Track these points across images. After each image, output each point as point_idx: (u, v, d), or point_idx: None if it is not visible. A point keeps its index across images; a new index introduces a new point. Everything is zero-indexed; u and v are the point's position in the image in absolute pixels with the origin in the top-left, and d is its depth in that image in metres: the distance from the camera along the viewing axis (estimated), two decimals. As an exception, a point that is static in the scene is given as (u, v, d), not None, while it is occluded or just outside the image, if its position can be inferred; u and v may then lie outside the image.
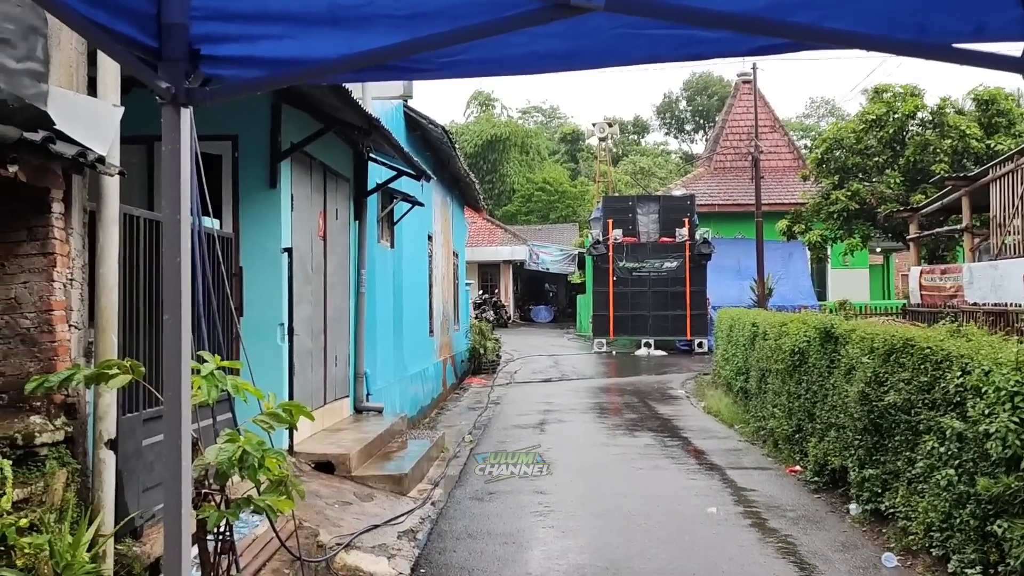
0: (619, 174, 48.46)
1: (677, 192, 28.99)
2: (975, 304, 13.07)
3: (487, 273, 38.97)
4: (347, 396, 9.93)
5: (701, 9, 1.65)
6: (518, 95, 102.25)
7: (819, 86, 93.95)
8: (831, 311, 16.14)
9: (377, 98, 10.46)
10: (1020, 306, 11.60)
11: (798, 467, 9.06)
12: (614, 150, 48.95)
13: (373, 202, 10.70)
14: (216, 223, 7.07)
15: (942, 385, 5.84)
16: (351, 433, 9.00)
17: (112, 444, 4.62)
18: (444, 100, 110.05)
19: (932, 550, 5.80)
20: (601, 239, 24.92)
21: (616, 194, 37.32)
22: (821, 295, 27.30)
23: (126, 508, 4.77)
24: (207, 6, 2.00)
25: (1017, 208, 12.82)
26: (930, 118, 20.43)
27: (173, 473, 1.93)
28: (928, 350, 6.17)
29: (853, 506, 7.31)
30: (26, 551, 3.78)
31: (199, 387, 3.73)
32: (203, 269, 3.94)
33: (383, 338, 11.00)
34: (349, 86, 7.54)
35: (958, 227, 16.64)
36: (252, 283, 7.51)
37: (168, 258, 1.95)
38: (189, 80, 2.03)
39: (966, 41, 1.87)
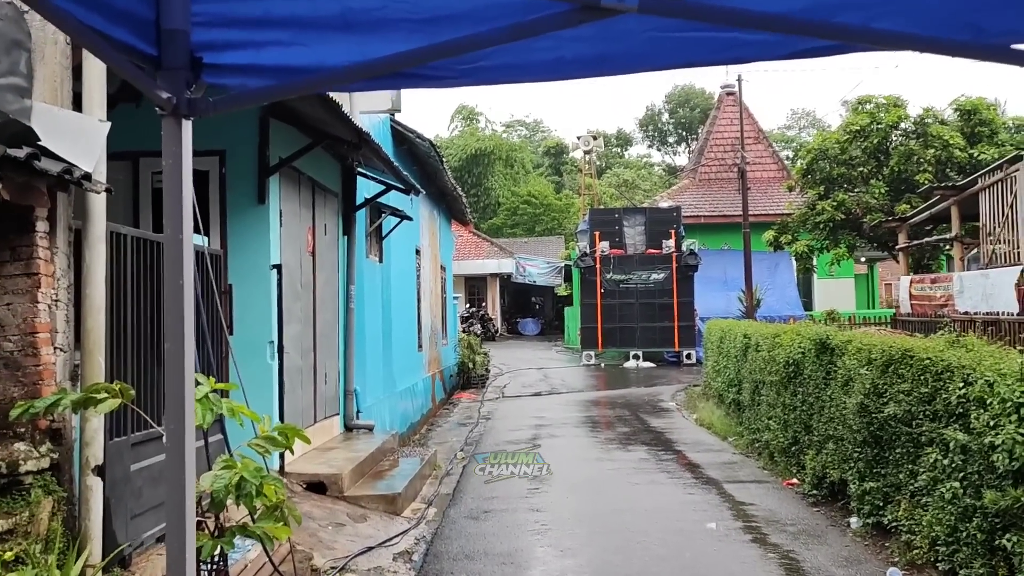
0: (603, 187, 48.57)
1: (663, 204, 29.01)
2: (966, 313, 13.08)
3: (474, 286, 38.85)
4: (337, 414, 9.76)
5: (741, 10, 1.54)
6: (502, 109, 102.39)
7: (800, 98, 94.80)
8: (822, 321, 16.12)
9: (365, 112, 10.34)
10: (1012, 315, 11.61)
11: (795, 479, 8.97)
12: (598, 163, 49.06)
13: (362, 217, 10.57)
14: (205, 240, 6.92)
15: (944, 396, 5.77)
16: (342, 452, 8.82)
17: (99, 470, 4.46)
18: (429, 114, 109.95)
19: (938, 564, 5.72)
20: (588, 251, 24.88)
21: (601, 206, 37.34)
22: (807, 305, 27.36)
23: (114, 536, 4.61)
24: (209, 11, 1.87)
25: (1007, 217, 12.86)
26: (913, 128, 20.60)
27: (177, 511, 1.80)
28: (928, 361, 6.11)
29: (854, 519, 7.23)
30: (11, 585, 3.62)
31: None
32: (193, 287, 3.81)
33: (372, 354, 10.85)
34: (337, 99, 7.43)
35: (948, 236, 16.69)
36: (241, 301, 7.35)
37: (170, 279, 1.83)
38: (191, 90, 1.89)
39: None
